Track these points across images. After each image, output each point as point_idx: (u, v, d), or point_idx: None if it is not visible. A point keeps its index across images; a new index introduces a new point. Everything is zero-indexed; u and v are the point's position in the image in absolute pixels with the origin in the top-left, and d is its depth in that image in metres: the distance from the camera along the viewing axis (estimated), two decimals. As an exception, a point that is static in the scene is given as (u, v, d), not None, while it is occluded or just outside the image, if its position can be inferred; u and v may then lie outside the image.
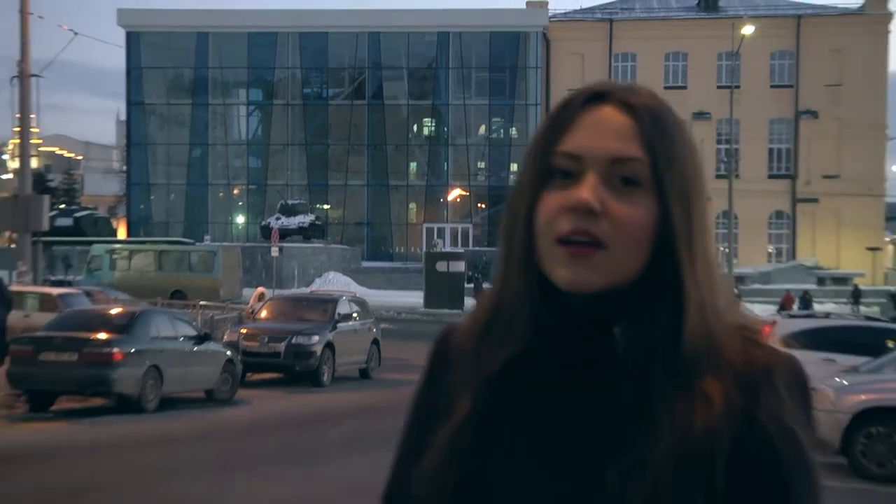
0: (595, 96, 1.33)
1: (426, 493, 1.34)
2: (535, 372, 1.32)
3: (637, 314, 1.29)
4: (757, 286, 53.80)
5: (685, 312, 1.27)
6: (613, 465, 1.23)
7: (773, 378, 1.27)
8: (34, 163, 37.60)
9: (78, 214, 57.07)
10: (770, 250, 64.44)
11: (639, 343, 1.27)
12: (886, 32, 64.80)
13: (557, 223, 1.27)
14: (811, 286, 52.20)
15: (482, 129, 65.77)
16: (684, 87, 64.44)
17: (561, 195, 1.28)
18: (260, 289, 32.56)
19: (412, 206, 64.93)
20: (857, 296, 49.28)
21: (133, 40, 64.18)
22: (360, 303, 25.20)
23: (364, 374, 23.09)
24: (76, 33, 34.13)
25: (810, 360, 15.77)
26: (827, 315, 23.59)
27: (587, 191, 1.26)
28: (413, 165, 65.52)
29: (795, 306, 41.68)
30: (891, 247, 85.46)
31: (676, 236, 1.28)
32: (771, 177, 64.37)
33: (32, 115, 28.21)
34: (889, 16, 64.71)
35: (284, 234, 48.74)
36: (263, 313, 23.57)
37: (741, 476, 1.23)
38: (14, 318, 21.84)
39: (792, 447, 1.26)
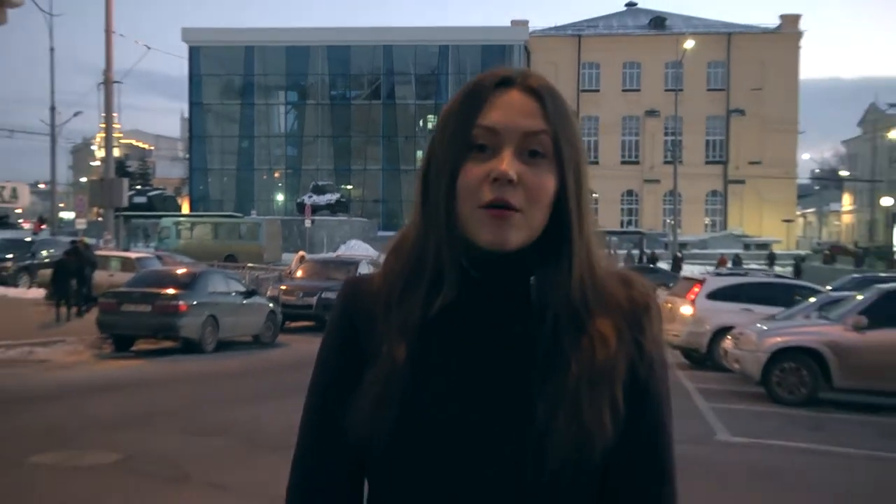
0: (502, 81, 1.28)
1: (367, 433, 1.23)
2: (465, 320, 1.26)
3: (542, 267, 1.25)
4: (696, 251, 54.00)
5: (575, 260, 1.25)
6: (541, 400, 1.20)
7: (650, 312, 1.28)
8: (116, 152, 37.50)
9: (151, 194, 56.91)
10: (707, 222, 64.54)
11: (548, 292, 1.25)
12: (798, 48, 64.89)
13: (481, 192, 1.21)
14: (739, 251, 52.40)
15: (475, 125, 65.60)
16: (638, 90, 64.30)
17: (482, 167, 1.22)
18: (301, 252, 32.27)
19: (419, 186, 64.84)
20: (772, 259, 49.41)
21: (194, 53, 64.12)
22: (377, 265, 25.14)
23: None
24: (149, 48, 34.07)
25: (733, 310, 15.86)
26: (746, 273, 23.54)
27: (507, 164, 1.21)
28: (420, 153, 65.27)
29: (728, 266, 41.81)
30: (801, 219, 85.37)
31: (569, 198, 1.24)
32: (707, 163, 64.34)
33: (115, 114, 28.13)
34: (800, 34, 64.90)
35: (315, 209, 48.70)
36: (299, 273, 23.57)
37: (633, 393, 1.24)
38: (101, 276, 21.94)
39: (664, 368, 1.28)
